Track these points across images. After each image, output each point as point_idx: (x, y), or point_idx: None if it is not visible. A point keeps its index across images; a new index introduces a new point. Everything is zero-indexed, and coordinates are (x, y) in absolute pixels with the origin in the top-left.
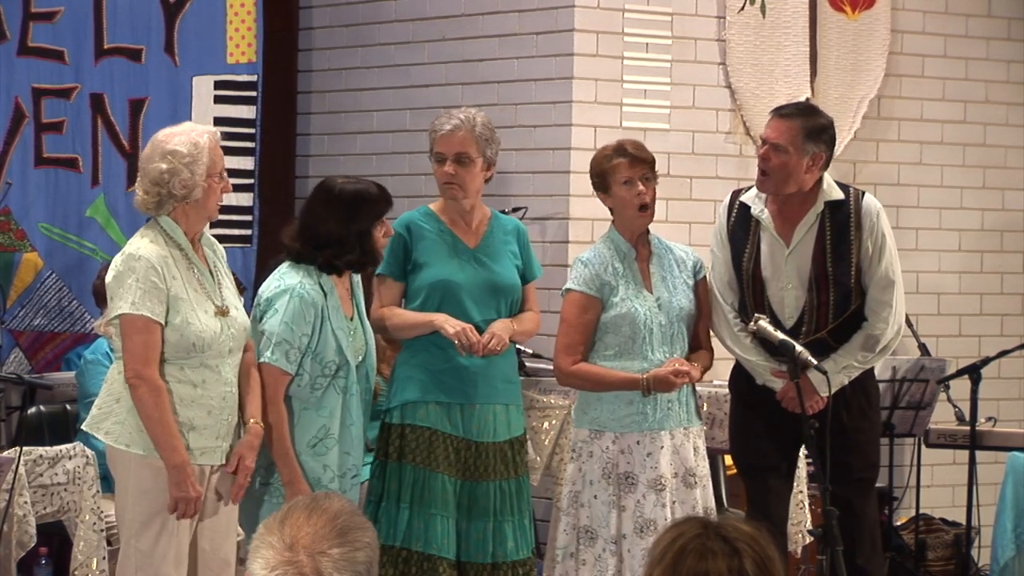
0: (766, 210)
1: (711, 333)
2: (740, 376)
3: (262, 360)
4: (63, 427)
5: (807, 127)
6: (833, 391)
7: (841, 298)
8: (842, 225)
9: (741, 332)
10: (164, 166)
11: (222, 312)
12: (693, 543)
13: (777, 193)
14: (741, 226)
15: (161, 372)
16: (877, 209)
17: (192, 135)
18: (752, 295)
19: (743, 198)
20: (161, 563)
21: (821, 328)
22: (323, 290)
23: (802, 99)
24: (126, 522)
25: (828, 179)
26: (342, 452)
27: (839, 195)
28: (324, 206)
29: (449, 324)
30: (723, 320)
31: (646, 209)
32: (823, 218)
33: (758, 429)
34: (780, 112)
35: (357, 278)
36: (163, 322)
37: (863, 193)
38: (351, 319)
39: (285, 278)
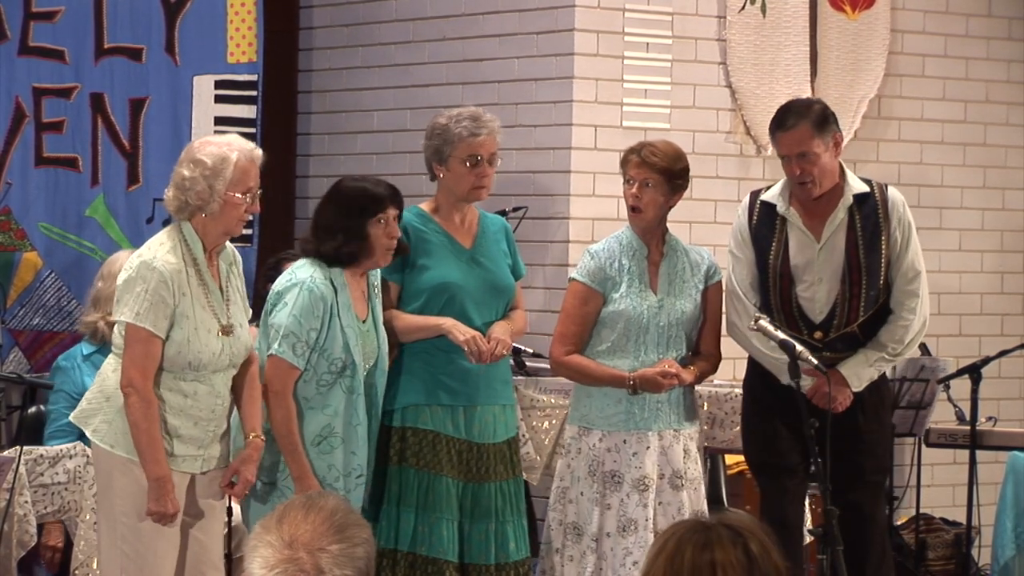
0: (792, 208)
1: (724, 334)
2: (755, 375)
3: (270, 353)
4: None
5: (813, 122)
6: (863, 386)
7: (872, 290)
8: (871, 217)
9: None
10: (186, 173)
11: (225, 331)
12: (694, 532)
13: (822, 191)
14: (765, 224)
15: (156, 378)
16: (902, 200)
17: (224, 148)
18: (779, 292)
19: (764, 197)
20: (144, 567)
21: (852, 322)
22: (334, 286)
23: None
24: (109, 523)
25: (849, 173)
26: (347, 452)
27: (863, 188)
28: (327, 198)
29: (458, 331)
30: (748, 319)
31: (634, 211)
32: (852, 211)
33: (774, 429)
34: (783, 127)
35: (376, 281)
36: (164, 337)
37: (886, 185)
38: (364, 321)
39: (297, 272)
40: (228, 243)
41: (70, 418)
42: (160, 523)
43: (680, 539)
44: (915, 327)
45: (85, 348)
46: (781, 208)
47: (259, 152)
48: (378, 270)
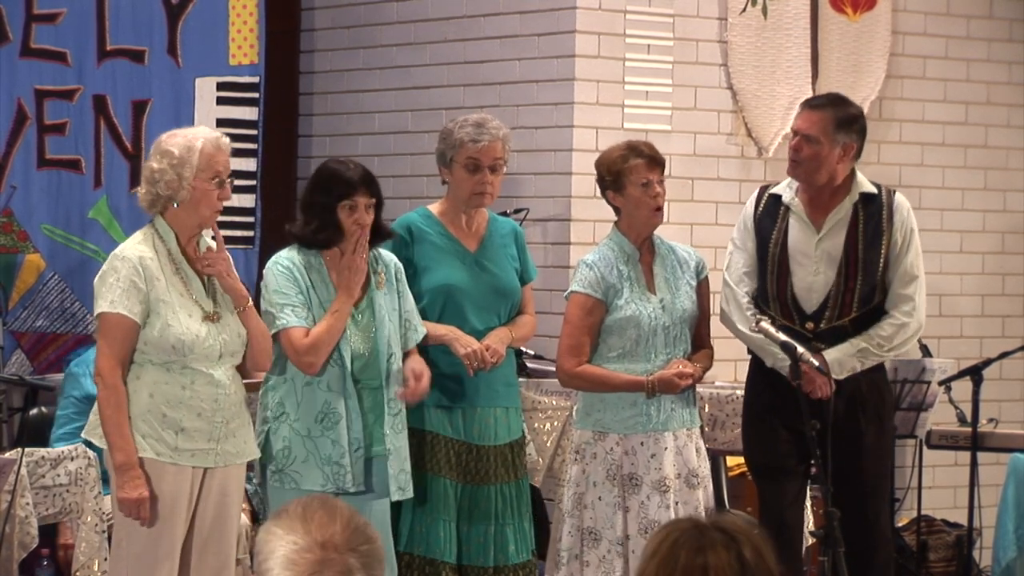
0: (797, 198)
1: (723, 329)
2: (757, 376)
3: (273, 332)
4: None
5: (838, 117)
6: (844, 375)
7: (867, 287)
8: (875, 216)
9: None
10: (155, 165)
11: (211, 318)
12: (688, 536)
13: (808, 182)
14: (768, 214)
15: (145, 374)
16: (908, 207)
17: (189, 137)
18: (775, 280)
19: (773, 190)
20: (153, 565)
21: (844, 316)
22: (301, 264)
23: (803, 101)
24: (118, 523)
25: (860, 175)
26: (346, 426)
27: (871, 189)
28: (310, 179)
29: (460, 344)
30: (737, 310)
31: (661, 210)
32: (857, 208)
33: (774, 431)
34: (811, 103)
35: (381, 268)
36: (140, 322)
37: (894, 191)
38: (356, 305)
39: (271, 259)
40: (208, 237)
41: (82, 435)
42: (132, 513)
43: (674, 542)
44: (910, 328)
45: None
46: (787, 198)
47: (225, 140)
48: (394, 259)
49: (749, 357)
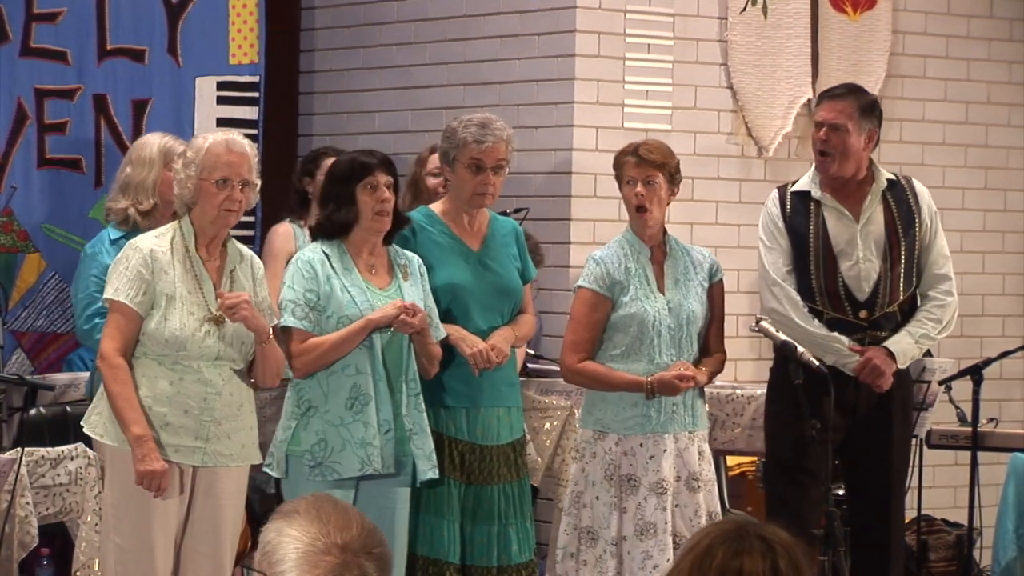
0: (824, 193)
1: (728, 330)
2: (787, 377)
3: (277, 327)
4: (64, 428)
5: (861, 104)
6: (907, 364)
7: (909, 270)
8: (904, 202)
9: (811, 312)
10: (177, 166)
11: (214, 321)
12: (728, 538)
13: (839, 173)
14: (799, 212)
15: (139, 366)
16: (927, 190)
17: (203, 138)
18: (823, 273)
19: (794, 188)
20: (139, 558)
21: (893, 300)
22: (325, 253)
23: (803, 100)
24: (105, 514)
25: (877, 165)
26: (376, 408)
27: (890, 175)
28: (325, 175)
29: (466, 343)
30: (794, 307)
31: (642, 211)
32: (885, 195)
33: (804, 432)
34: (832, 94)
35: (406, 262)
36: (143, 312)
37: (910, 176)
38: (384, 289)
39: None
40: (241, 246)
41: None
42: (150, 486)
43: (713, 540)
44: (952, 306)
45: (112, 233)
46: (816, 193)
47: (242, 144)
48: (417, 259)
49: (772, 356)
